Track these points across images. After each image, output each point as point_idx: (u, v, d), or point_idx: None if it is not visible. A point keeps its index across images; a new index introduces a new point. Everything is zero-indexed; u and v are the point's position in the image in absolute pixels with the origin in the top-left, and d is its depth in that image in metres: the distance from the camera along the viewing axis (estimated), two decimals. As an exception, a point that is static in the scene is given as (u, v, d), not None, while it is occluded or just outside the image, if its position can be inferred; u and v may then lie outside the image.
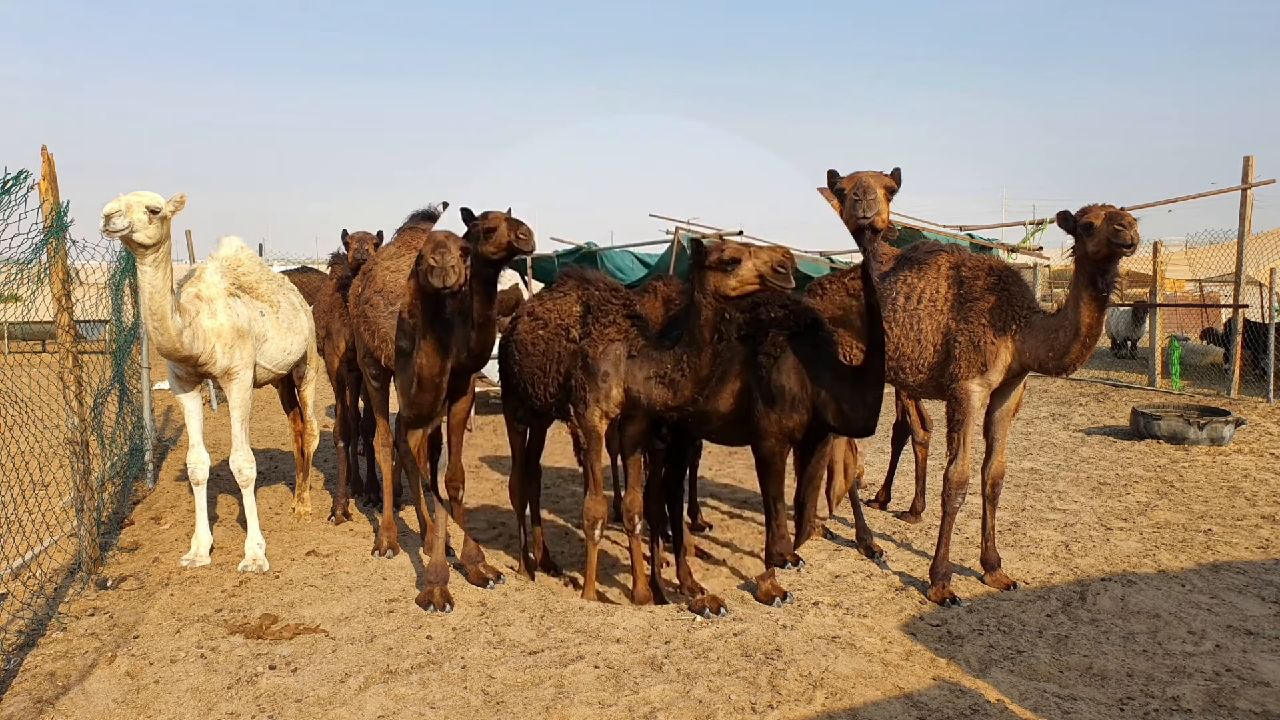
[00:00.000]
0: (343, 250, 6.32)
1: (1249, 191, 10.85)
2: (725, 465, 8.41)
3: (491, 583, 4.83)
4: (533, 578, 5.33)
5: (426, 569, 4.71)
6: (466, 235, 4.42)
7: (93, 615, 4.40)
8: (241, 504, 5.59)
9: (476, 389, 6.31)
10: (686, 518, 5.82)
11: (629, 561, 4.99)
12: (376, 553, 5.31)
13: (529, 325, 4.99)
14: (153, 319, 4.45)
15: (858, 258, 10.02)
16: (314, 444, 6.09)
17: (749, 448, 4.47)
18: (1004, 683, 3.68)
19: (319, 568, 5.12)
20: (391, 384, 5.14)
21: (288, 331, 5.33)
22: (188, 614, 4.42)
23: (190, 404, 4.97)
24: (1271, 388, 10.72)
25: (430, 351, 4.03)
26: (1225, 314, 14.65)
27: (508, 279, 7.80)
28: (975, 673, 3.79)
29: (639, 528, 4.81)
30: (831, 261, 10.72)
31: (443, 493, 6.40)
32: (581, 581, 4.97)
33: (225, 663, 3.89)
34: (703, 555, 5.80)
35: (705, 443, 6.04)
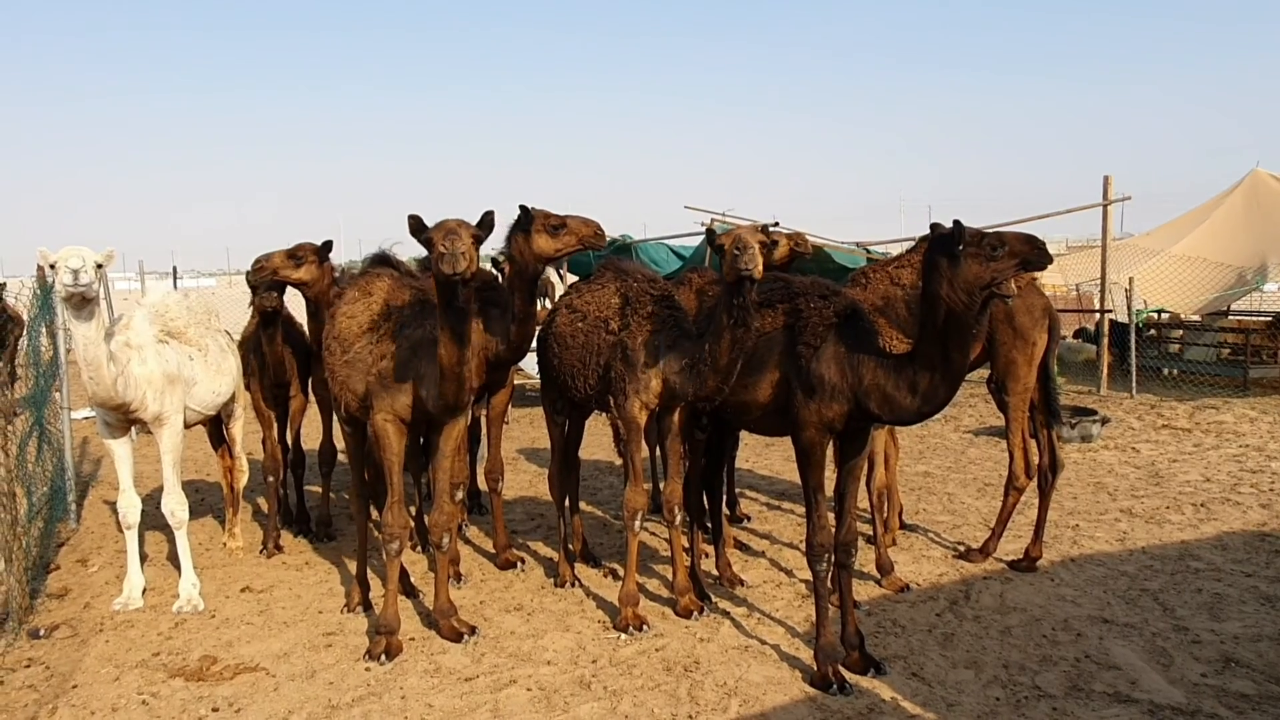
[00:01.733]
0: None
1: (1109, 207, 11.85)
2: (763, 457, 8.70)
3: (466, 637, 4.61)
4: (572, 569, 5.44)
5: (379, 618, 4.58)
6: (514, 229, 4.40)
7: (28, 667, 4.43)
8: (170, 541, 5.63)
9: (515, 381, 6.35)
10: (725, 509, 5.92)
11: (668, 553, 5.11)
12: (346, 609, 5.10)
13: (568, 318, 5.01)
14: (88, 369, 4.53)
15: (895, 249, 10.33)
16: (243, 479, 6.14)
17: (787, 439, 4.39)
18: (897, 682, 4.11)
19: (255, 604, 5.22)
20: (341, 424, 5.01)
21: (216, 374, 5.42)
22: (125, 660, 4.48)
23: (120, 450, 5.02)
24: (1134, 383, 11.76)
25: (446, 340, 3.99)
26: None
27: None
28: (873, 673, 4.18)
29: (679, 519, 4.84)
30: (868, 252, 11.12)
31: (483, 485, 6.39)
32: (621, 573, 5.02)
33: (168, 708, 4.00)
34: (742, 547, 6.03)
35: (743, 434, 6.00)
